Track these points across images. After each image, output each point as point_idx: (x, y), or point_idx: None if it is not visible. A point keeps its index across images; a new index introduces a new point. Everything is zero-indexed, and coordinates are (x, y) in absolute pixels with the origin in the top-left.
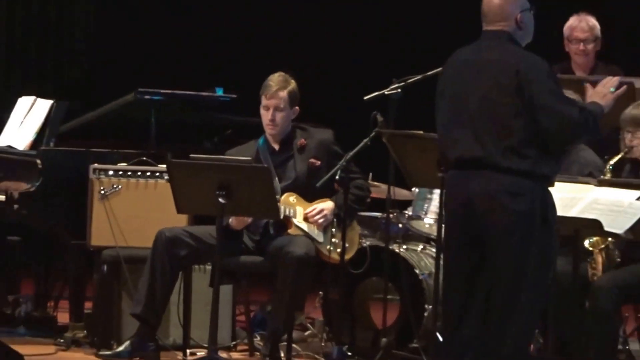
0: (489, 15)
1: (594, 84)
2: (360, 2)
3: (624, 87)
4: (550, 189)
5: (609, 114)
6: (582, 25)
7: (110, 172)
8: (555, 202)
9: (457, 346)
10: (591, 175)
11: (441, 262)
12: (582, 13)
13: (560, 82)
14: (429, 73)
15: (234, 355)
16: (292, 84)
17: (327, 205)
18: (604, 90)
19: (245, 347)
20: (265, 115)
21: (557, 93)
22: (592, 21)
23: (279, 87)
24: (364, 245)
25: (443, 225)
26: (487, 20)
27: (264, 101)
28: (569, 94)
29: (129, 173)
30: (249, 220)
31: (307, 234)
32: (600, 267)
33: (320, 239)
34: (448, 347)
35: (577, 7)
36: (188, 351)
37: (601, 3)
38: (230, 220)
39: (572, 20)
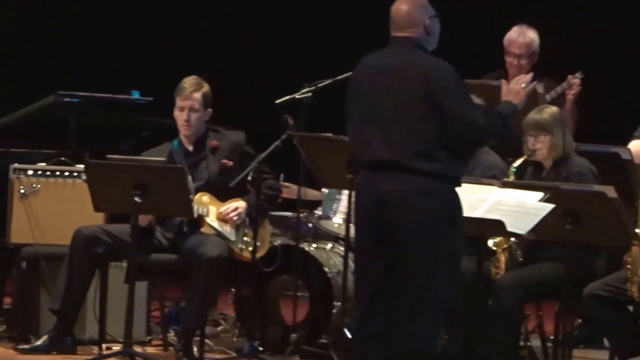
0: (398, 22)
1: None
2: (272, 6)
3: (535, 82)
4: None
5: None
6: (519, 41)
7: (30, 172)
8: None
9: (364, 342)
10: (495, 178)
11: (349, 260)
12: (524, 26)
13: (478, 87)
14: (339, 77)
15: (149, 350)
16: (206, 87)
17: (239, 204)
18: (516, 88)
19: (160, 342)
20: (180, 116)
21: (463, 98)
22: (531, 36)
23: (193, 88)
24: (275, 243)
25: (352, 225)
26: (395, 26)
27: (179, 102)
28: (475, 99)
29: (48, 173)
30: (151, 217)
31: (219, 233)
32: (503, 266)
33: (233, 237)
34: (355, 343)
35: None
36: (104, 346)
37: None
38: None
39: (512, 33)
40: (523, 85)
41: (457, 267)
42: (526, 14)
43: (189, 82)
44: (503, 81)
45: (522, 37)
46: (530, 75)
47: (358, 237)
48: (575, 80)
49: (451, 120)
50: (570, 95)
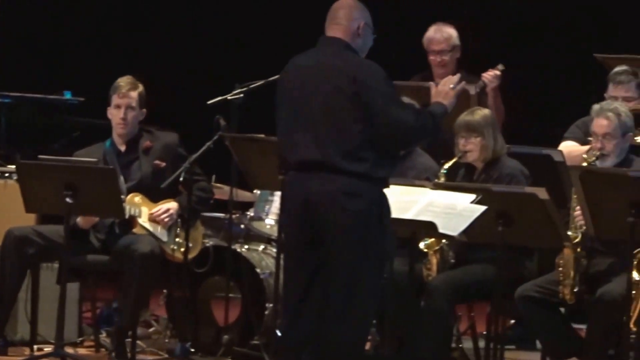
0: (332, 21)
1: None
2: (204, 6)
3: (463, 82)
4: (387, 192)
5: (445, 119)
6: (437, 37)
7: None
8: (391, 205)
9: (295, 343)
10: (428, 180)
11: (281, 261)
12: (440, 23)
13: (409, 88)
14: (271, 78)
15: (81, 351)
16: (141, 87)
17: (171, 205)
18: (445, 89)
19: (92, 343)
20: (117, 114)
21: (393, 99)
22: (449, 31)
23: (130, 87)
24: (207, 245)
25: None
26: (329, 25)
27: (116, 100)
28: (406, 100)
29: None
30: (96, 219)
31: (151, 234)
32: (435, 267)
33: (165, 238)
34: (287, 344)
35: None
36: (35, 347)
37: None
38: (77, 219)
39: (429, 32)
40: (452, 85)
41: (385, 268)
42: (446, 14)
43: (125, 80)
44: (431, 84)
45: (439, 33)
46: (458, 76)
47: (286, 238)
48: (495, 72)
49: (380, 121)
50: (491, 88)
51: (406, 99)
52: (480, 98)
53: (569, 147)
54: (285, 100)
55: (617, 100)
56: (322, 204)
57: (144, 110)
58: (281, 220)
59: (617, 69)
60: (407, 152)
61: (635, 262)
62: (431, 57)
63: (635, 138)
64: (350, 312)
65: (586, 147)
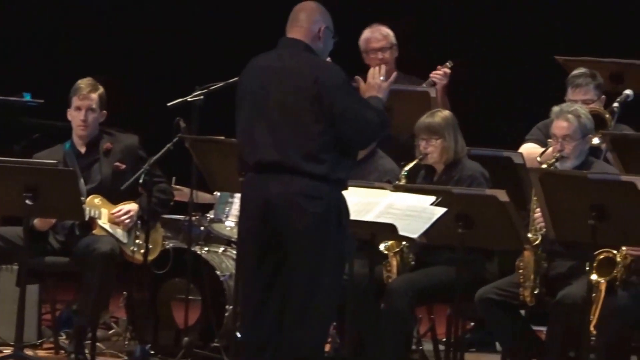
0: (294, 23)
1: (406, 93)
2: (164, 8)
3: (395, 73)
4: (347, 194)
5: (406, 121)
6: (376, 36)
7: None
8: (351, 207)
9: (255, 345)
10: (389, 183)
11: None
12: (375, 24)
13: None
14: (231, 80)
15: (40, 353)
16: (101, 88)
17: (131, 207)
18: (376, 82)
19: (51, 345)
20: (77, 116)
21: (355, 98)
22: (386, 30)
23: (90, 88)
24: (167, 246)
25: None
26: (291, 27)
27: (77, 102)
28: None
29: None
30: (53, 221)
31: (111, 235)
32: (395, 269)
33: (125, 240)
34: (247, 347)
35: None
36: None
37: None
38: (35, 221)
39: (366, 33)
40: (382, 77)
41: (344, 270)
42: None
43: (85, 82)
44: (358, 79)
45: (377, 32)
46: (384, 67)
47: (245, 239)
48: (445, 70)
49: (345, 122)
50: (440, 85)
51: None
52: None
53: (529, 149)
54: (244, 101)
55: (577, 103)
56: (281, 206)
57: (104, 112)
58: (240, 222)
59: (575, 71)
60: (368, 155)
61: (595, 265)
62: (371, 56)
63: (594, 140)
64: (310, 314)
65: (549, 150)
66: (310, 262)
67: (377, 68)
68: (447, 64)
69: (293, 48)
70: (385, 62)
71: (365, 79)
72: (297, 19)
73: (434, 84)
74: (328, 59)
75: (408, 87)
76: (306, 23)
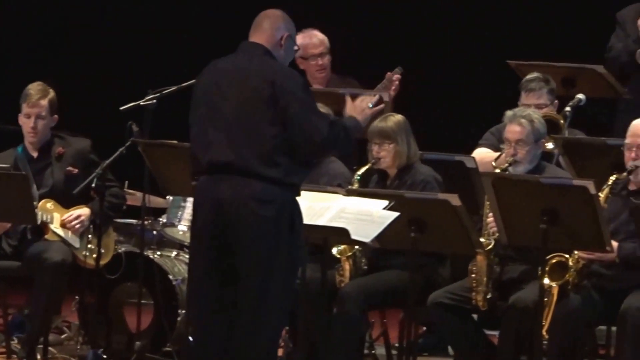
0: (257, 28)
1: (354, 97)
2: (117, 12)
3: (382, 105)
4: (299, 198)
5: None
6: (314, 42)
7: None
8: (304, 211)
9: (208, 350)
10: (340, 187)
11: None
12: (307, 30)
13: (325, 95)
14: (184, 84)
15: None
16: (52, 93)
17: (83, 211)
18: (362, 105)
19: (3, 350)
20: (27, 123)
21: (310, 106)
22: (320, 35)
23: (40, 95)
24: (119, 251)
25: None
26: (253, 32)
27: (25, 109)
28: (322, 107)
29: None
30: (8, 225)
31: (63, 240)
32: (347, 274)
33: (77, 244)
34: (199, 352)
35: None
36: None
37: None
38: None
39: (301, 39)
40: (370, 105)
41: (296, 275)
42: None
43: (34, 88)
44: (348, 98)
45: (314, 38)
46: (378, 96)
47: (197, 243)
48: (395, 76)
49: (295, 127)
50: (391, 92)
51: (323, 108)
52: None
53: (482, 154)
54: (201, 102)
55: (530, 107)
56: (233, 209)
57: (56, 116)
58: (192, 224)
59: (529, 76)
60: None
61: (547, 269)
62: (311, 63)
63: (547, 144)
64: (261, 319)
65: (502, 156)
66: (262, 266)
67: (371, 94)
68: (397, 70)
69: (253, 51)
70: (324, 68)
71: None
72: (260, 25)
73: (385, 89)
74: None
75: (362, 90)
76: (269, 29)
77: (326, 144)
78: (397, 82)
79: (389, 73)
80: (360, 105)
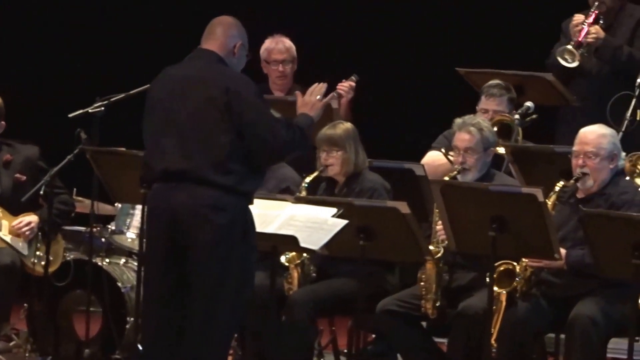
0: (210, 35)
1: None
2: (64, 18)
3: (332, 94)
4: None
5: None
6: (279, 47)
7: None
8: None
9: (157, 358)
10: (288, 190)
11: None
12: (277, 35)
13: (275, 102)
14: (132, 92)
15: None
16: None
17: (32, 218)
18: (312, 100)
19: None
20: None
21: (264, 112)
22: (288, 42)
23: None
24: (68, 258)
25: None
26: (206, 39)
27: None
28: (275, 113)
29: None
30: None
31: (12, 247)
32: (296, 281)
33: (25, 251)
34: (149, 358)
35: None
36: None
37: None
38: None
39: (268, 43)
40: (318, 97)
41: (249, 283)
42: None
43: None
44: (298, 93)
45: (280, 44)
46: (324, 86)
47: (150, 250)
48: (350, 83)
49: (252, 133)
50: (346, 99)
51: (275, 113)
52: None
53: (434, 157)
54: (154, 109)
55: (488, 112)
56: (186, 217)
57: (3, 123)
58: (145, 232)
59: (491, 82)
60: None
61: (495, 276)
62: (272, 68)
63: (499, 149)
64: (212, 327)
65: (450, 159)
66: (214, 274)
67: (317, 86)
68: (353, 77)
69: (206, 59)
70: (285, 75)
71: (263, 90)
72: (213, 32)
73: (339, 96)
74: None
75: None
76: (222, 37)
77: (285, 147)
78: (348, 88)
79: (344, 80)
80: (310, 100)
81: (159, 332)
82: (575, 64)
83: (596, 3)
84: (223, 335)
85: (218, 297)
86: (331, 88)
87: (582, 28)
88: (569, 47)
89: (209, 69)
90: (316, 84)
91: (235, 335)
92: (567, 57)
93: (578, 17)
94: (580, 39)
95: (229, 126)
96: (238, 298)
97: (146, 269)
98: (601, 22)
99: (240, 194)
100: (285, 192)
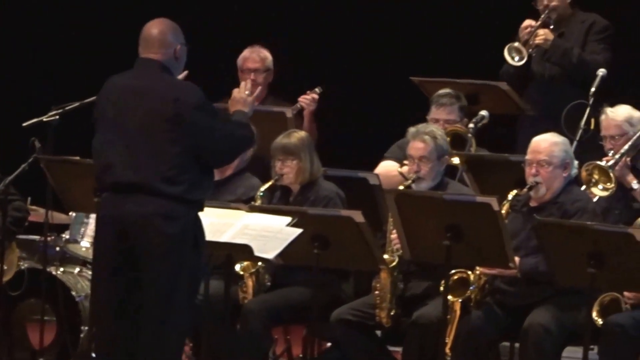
0: (148, 43)
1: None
2: (17, 27)
3: (260, 88)
4: (202, 214)
5: (263, 141)
6: (254, 56)
7: None
8: (207, 228)
9: None
10: (254, 199)
11: None
12: (256, 45)
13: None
14: (86, 100)
15: None
16: None
17: None
18: (242, 96)
19: None
20: None
21: (216, 116)
22: (265, 53)
23: None
24: (22, 267)
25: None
26: (146, 47)
27: None
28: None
29: None
30: None
31: None
32: (250, 290)
33: None
34: None
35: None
36: None
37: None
38: None
39: (245, 52)
40: (247, 92)
41: (198, 292)
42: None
43: None
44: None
45: (256, 53)
46: (249, 82)
47: (100, 260)
48: (313, 95)
49: (209, 139)
50: (308, 110)
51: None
52: (296, 121)
53: (387, 167)
54: (102, 122)
55: (439, 122)
56: (137, 227)
57: None
58: (95, 241)
59: (441, 91)
60: (235, 173)
61: (449, 285)
62: (245, 76)
63: (452, 159)
64: (163, 336)
65: (405, 168)
66: (165, 283)
67: (242, 83)
68: (316, 89)
69: (150, 69)
70: (256, 85)
71: None
72: (151, 40)
73: (301, 109)
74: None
75: (264, 107)
76: (162, 46)
77: (240, 144)
78: (310, 100)
79: (308, 91)
80: (240, 97)
81: (111, 341)
82: (521, 62)
83: (546, 11)
84: (174, 342)
85: (168, 306)
86: (293, 100)
87: (531, 30)
88: (516, 44)
89: (155, 79)
90: (243, 83)
91: (190, 344)
92: (514, 54)
93: (527, 22)
94: (528, 39)
95: (177, 136)
96: (188, 305)
97: (97, 278)
98: (551, 26)
99: (191, 203)
100: (251, 200)
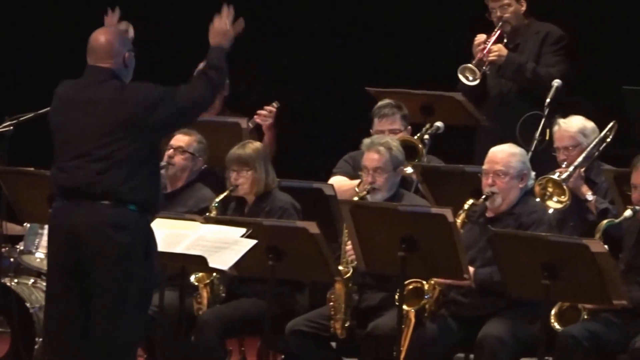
0: (96, 52)
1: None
2: None
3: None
4: (157, 225)
5: (218, 153)
6: None
7: None
8: (162, 239)
9: None
10: (207, 210)
11: None
12: None
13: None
14: (41, 111)
15: None
16: None
17: None
18: (224, 27)
19: None
20: None
21: (178, 94)
22: None
23: None
24: None
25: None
26: (94, 56)
27: None
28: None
29: None
30: None
31: None
32: (205, 301)
33: None
34: None
35: None
36: None
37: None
38: None
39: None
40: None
41: (149, 302)
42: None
43: None
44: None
45: None
46: (231, 10)
47: (52, 268)
48: (270, 109)
49: (179, 117)
50: (266, 125)
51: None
52: (254, 135)
53: (338, 182)
54: (56, 129)
55: (384, 133)
56: (88, 235)
57: None
58: (47, 250)
59: (380, 103)
60: (186, 185)
61: (404, 294)
62: None
63: (407, 169)
64: (113, 346)
65: (356, 182)
66: (115, 292)
67: (225, 10)
68: (274, 104)
69: (101, 76)
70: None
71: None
72: (99, 50)
73: (258, 125)
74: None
75: (219, 118)
76: (110, 55)
77: (209, 97)
78: (267, 113)
79: (265, 106)
80: (222, 28)
81: (63, 351)
82: (475, 82)
83: (500, 23)
84: (125, 352)
85: (119, 316)
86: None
87: (484, 47)
88: (470, 65)
89: (106, 87)
90: (224, 9)
91: (145, 355)
92: (467, 74)
93: (480, 37)
94: (482, 57)
95: (129, 142)
96: (138, 316)
97: (48, 288)
98: (505, 41)
99: (142, 211)
100: (204, 211)
